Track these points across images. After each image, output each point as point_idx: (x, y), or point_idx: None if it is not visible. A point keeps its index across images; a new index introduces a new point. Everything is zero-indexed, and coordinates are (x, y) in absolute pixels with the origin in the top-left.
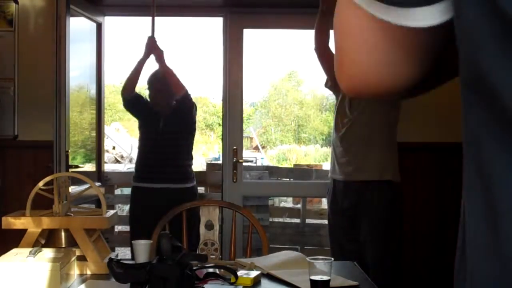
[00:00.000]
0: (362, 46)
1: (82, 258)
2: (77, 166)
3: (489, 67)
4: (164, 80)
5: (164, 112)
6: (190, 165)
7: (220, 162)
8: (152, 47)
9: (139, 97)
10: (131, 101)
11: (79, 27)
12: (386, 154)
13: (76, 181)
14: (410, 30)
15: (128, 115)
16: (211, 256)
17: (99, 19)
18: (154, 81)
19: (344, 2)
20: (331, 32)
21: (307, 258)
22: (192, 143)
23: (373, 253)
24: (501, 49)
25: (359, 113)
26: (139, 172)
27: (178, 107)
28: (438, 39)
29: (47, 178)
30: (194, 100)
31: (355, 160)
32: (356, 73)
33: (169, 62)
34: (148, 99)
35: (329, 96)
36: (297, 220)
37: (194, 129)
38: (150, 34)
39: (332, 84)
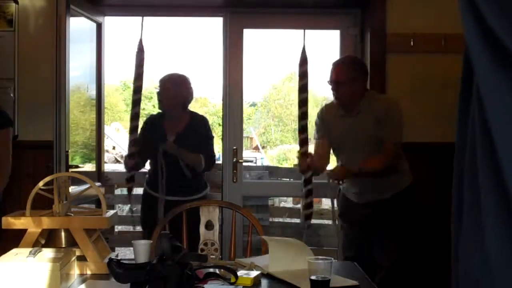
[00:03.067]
0: None
1: (82, 258)
2: (77, 166)
3: None
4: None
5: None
6: (202, 175)
7: (220, 162)
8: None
9: (149, 145)
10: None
11: (79, 27)
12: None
13: (76, 181)
14: None
15: (128, 115)
16: (211, 256)
17: (99, 19)
18: (166, 82)
19: None
20: None
21: (307, 258)
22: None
23: (387, 253)
24: None
25: (346, 159)
26: (149, 180)
27: (189, 124)
28: None
29: (47, 178)
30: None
31: (365, 188)
32: None
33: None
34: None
35: (330, 97)
36: (297, 220)
37: (211, 144)
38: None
39: None
